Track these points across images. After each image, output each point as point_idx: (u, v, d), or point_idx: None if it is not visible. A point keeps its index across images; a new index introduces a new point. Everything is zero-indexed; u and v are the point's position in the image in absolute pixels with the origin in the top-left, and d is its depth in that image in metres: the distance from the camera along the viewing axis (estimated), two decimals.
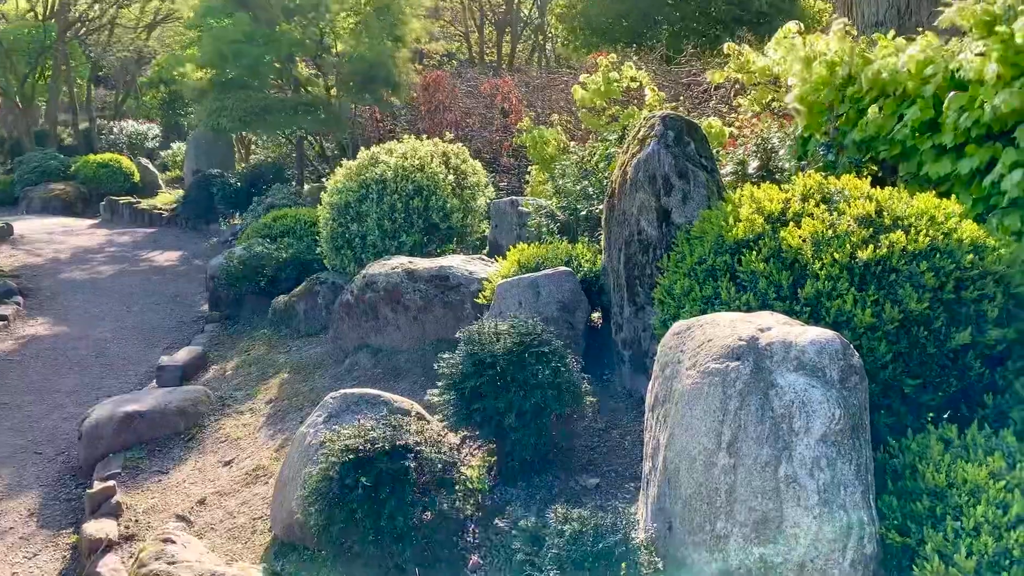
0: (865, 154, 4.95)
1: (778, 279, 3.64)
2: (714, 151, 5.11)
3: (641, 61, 9.66)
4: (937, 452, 2.98)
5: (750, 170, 5.36)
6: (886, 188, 4.00)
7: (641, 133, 4.80)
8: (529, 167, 9.43)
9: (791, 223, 3.84)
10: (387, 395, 4.26)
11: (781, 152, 5.36)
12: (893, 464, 3.08)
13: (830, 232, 3.70)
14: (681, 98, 8.73)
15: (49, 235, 13.71)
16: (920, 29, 5.05)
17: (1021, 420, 3.16)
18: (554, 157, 8.55)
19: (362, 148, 8.09)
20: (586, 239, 6.07)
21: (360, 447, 3.41)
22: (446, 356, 4.13)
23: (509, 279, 5.10)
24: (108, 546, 4.36)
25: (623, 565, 2.95)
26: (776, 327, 3.07)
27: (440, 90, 11.95)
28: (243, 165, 16.90)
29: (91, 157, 18.07)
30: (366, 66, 12.14)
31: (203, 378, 6.91)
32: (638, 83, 8.08)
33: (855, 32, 5.26)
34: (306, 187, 13.80)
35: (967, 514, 2.68)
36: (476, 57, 23.37)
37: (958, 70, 4.26)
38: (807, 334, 2.95)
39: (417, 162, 7.49)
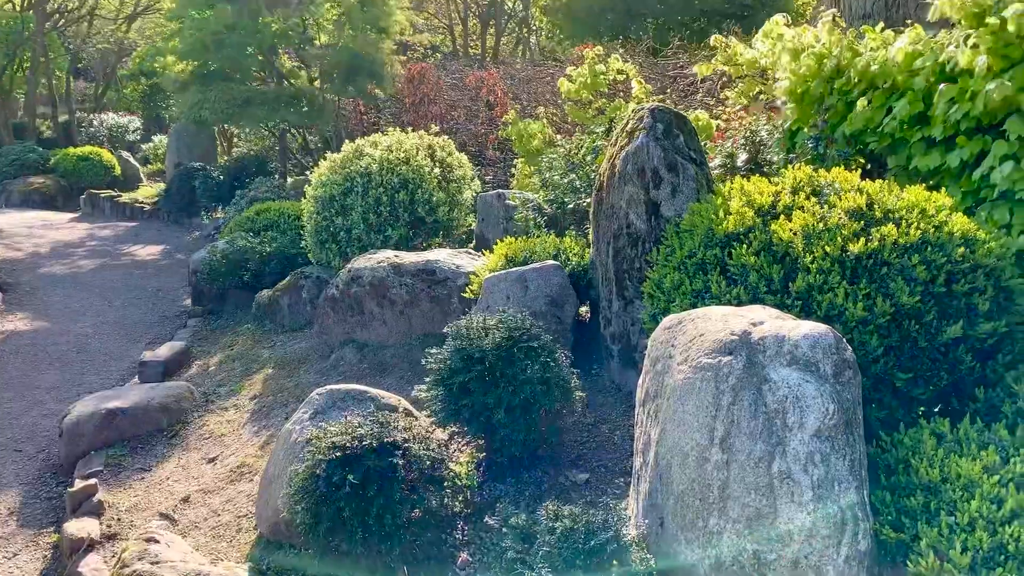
0: (854, 147, 4.93)
1: (769, 273, 3.61)
2: (702, 144, 5.07)
3: (627, 54, 9.61)
4: (930, 447, 2.96)
5: (739, 163, 5.34)
6: (876, 181, 3.98)
7: (630, 126, 4.76)
8: (515, 160, 9.38)
9: (781, 216, 3.82)
10: (374, 391, 4.20)
11: (770, 145, 5.34)
12: (886, 459, 3.06)
13: (821, 225, 3.67)
14: (668, 91, 8.70)
15: (28, 229, 13.53)
16: (908, 21, 5.04)
17: (1013, 414, 3.15)
18: (540, 150, 8.50)
19: (347, 141, 8.00)
20: (573, 233, 6.03)
21: (347, 444, 3.35)
22: (434, 351, 4.08)
23: (497, 273, 5.06)
24: (90, 546, 4.28)
25: (615, 562, 2.92)
26: (769, 321, 3.04)
27: (425, 82, 11.86)
28: (226, 158, 16.72)
29: (71, 150, 17.84)
30: (350, 58, 12.02)
31: (186, 374, 6.82)
32: (624, 76, 8.05)
33: (843, 24, 5.23)
34: (289, 180, 13.67)
35: (961, 509, 2.66)
36: (460, 50, 23.25)
37: (948, 62, 4.24)
38: (800, 328, 2.92)
39: (403, 155, 7.42)
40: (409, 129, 8.13)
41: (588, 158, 6.11)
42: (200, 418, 5.78)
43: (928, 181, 4.44)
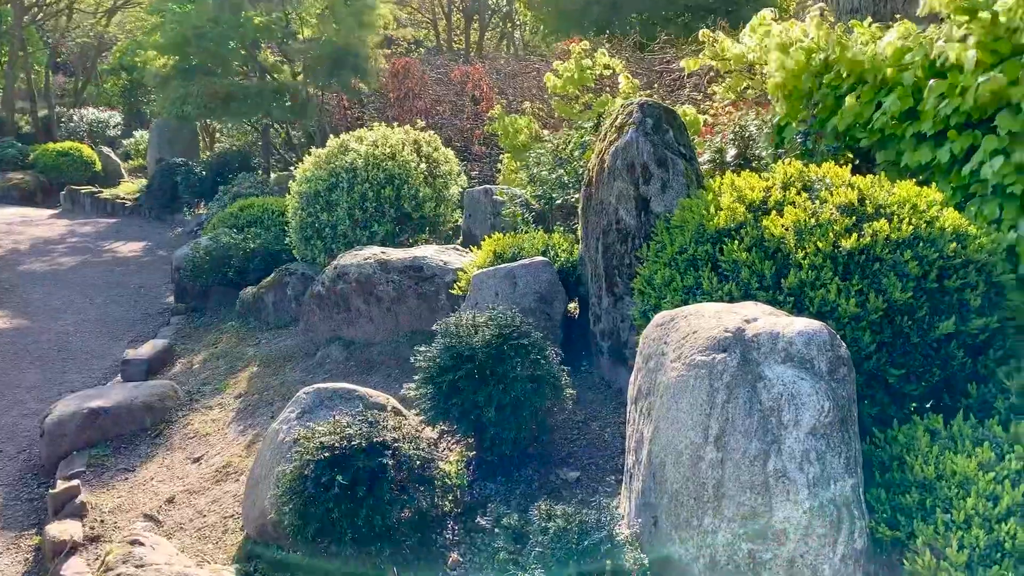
0: (843, 142, 4.92)
1: (761, 269, 3.58)
2: (690, 139, 5.04)
3: (613, 49, 9.58)
4: (924, 443, 2.95)
5: (728, 158, 5.31)
6: (868, 176, 3.96)
7: (619, 121, 4.72)
8: (501, 155, 9.33)
9: (773, 212, 3.79)
10: (362, 389, 4.15)
11: (758, 140, 5.32)
12: (880, 455, 3.04)
13: (812, 221, 3.65)
14: (655, 86, 8.67)
15: (7, 226, 13.34)
16: (898, 16, 5.03)
17: (1006, 410, 3.14)
18: (526, 145, 8.45)
19: (331, 136, 7.93)
20: (561, 228, 5.99)
21: (336, 444, 3.30)
22: (422, 349, 4.03)
23: (485, 270, 5.01)
24: (73, 548, 4.21)
25: (609, 562, 2.88)
26: (762, 318, 3.01)
27: (409, 77, 11.78)
28: (208, 154, 16.58)
29: (50, 145, 17.63)
30: (333, 52, 11.93)
31: (170, 372, 6.73)
32: (611, 71, 8.01)
33: (832, 19, 5.21)
34: (272, 176, 13.57)
35: (957, 507, 2.64)
36: (444, 45, 23.15)
37: (939, 57, 4.23)
38: (794, 325, 2.90)
39: (388, 150, 7.35)
40: (395, 124, 8.06)
41: (576, 153, 6.07)
42: (184, 417, 5.71)
43: (917, 176, 4.43)
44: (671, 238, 4.08)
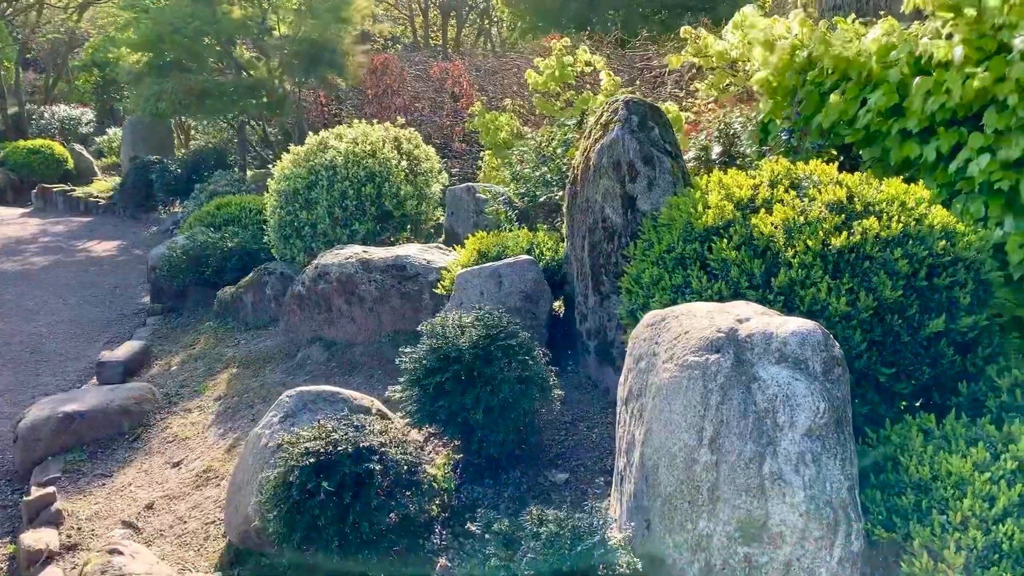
0: (828, 139, 4.90)
1: (750, 267, 3.55)
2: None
3: (594, 46, 9.54)
4: (918, 444, 2.93)
5: (713, 156, 5.28)
6: (855, 173, 3.94)
7: (604, 118, 4.68)
8: (481, 152, 9.27)
9: (761, 210, 3.76)
10: (346, 392, 4.07)
11: (743, 137, 5.29)
12: (874, 456, 3.02)
13: (801, 219, 3.62)
14: (637, 82, 8.64)
15: None
16: (882, 13, 5.02)
17: (997, 408, 3.13)
18: (507, 142, 8.39)
19: (310, 133, 7.82)
20: (544, 226, 5.94)
21: (322, 450, 3.23)
22: (408, 350, 3.97)
23: (469, 269, 4.95)
24: (49, 557, 4.10)
25: (602, 568, 2.84)
26: (755, 318, 2.98)
27: (388, 74, 11.67)
28: (183, 151, 16.36)
29: (21, 143, 17.31)
30: (311, 47, 11.79)
31: (147, 374, 6.61)
32: (592, 68, 7.97)
33: (816, 15, 5.20)
34: (249, 173, 13.40)
35: (953, 508, 2.62)
36: (421, 41, 23.01)
37: (924, 54, 4.21)
38: (788, 325, 2.86)
39: (368, 147, 7.27)
40: (375, 121, 7.97)
41: (559, 151, 6.02)
42: (163, 420, 5.60)
43: (902, 174, 4.42)
44: (658, 236, 4.04)
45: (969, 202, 4.13)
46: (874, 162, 4.68)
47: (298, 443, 3.32)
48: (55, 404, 5.56)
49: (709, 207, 3.86)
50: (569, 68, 7.77)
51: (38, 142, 17.31)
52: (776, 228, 3.61)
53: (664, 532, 2.90)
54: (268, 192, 7.58)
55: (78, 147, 18.16)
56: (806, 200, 3.75)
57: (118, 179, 15.76)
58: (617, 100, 4.64)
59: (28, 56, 22.99)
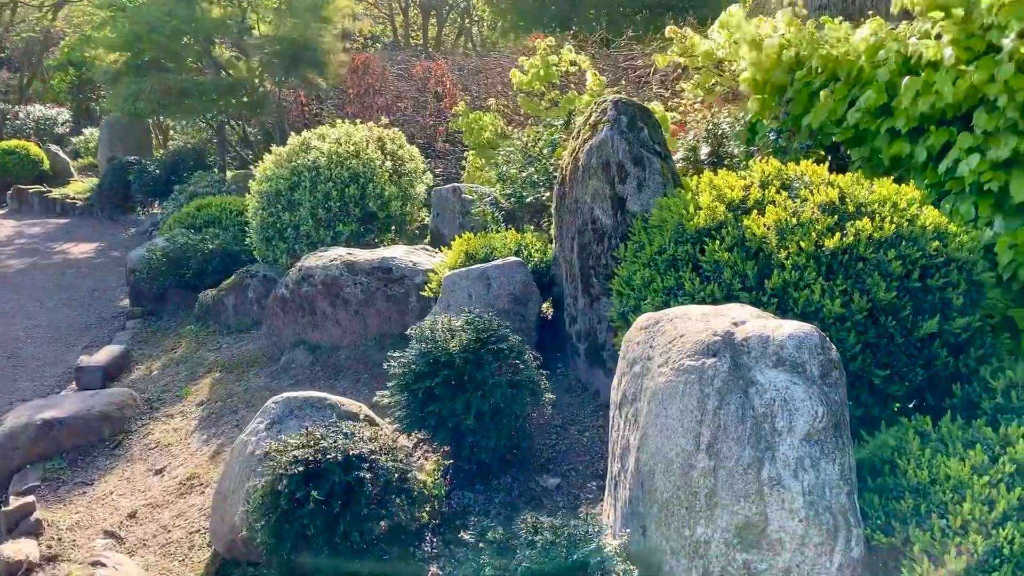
0: (817, 139, 4.89)
1: (743, 269, 3.52)
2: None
3: (579, 45, 9.50)
4: (916, 447, 2.91)
5: (701, 156, 5.26)
6: (847, 174, 3.93)
7: (592, 118, 4.63)
8: (465, 152, 9.20)
9: (753, 211, 3.73)
10: (333, 398, 4.00)
11: (731, 138, 5.27)
12: (871, 460, 2.99)
13: (794, 220, 3.60)
14: (623, 82, 8.61)
15: None
16: (871, 12, 5.02)
17: (992, 410, 3.11)
18: (491, 142, 8.34)
19: (292, 134, 7.73)
20: (531, 227, 5.89)
21: (310, 458, 3.16)
22: (396, 354, 3.91)
23: (457, 271, 4.89)
24: (28, 569, 4.00)
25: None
26: (751, 320, 2.94)
27: (370, 73, 11.58)
28: (162, 151, 16.17)
29: None
30: (291, 45, 11.67)
31: (127, 379, 6.49)
32: (577, 67, 7.93)
33: (805, 13, 5.18)
34: (229, 174, 13.26)
35: (953, 512, 2.60)
36: (401, 40, 22.89)
37: (914, 54, 4.20)
38: (784, 328, 2.83)
39: (352, 148, 7.19)
40: (358, 121, 7.89)
41: (546, 151, 5.97)
42: (144, 427, 5.50)
43: (892, 174, 4.41)
44: (649, 238, 4.01)
45: (958, 202, 4.13)
46: (863, 162, 4.67)
47: (286, 451, 3.25)
48: (33, 411, 5.45)
49: (701, 208, 3.83)
50: (554, 68, 7.73)
51: (13, 143, 17.02)
52: (769, 229, 3.58)
53: (661, 539, 2.86)
54: (250, 193, 7.48)
55: (54, 148, 17.88)
56: (798, 201, 3.73)
57: (95, 180, 15.53)
58: (606, 100, 4.61)
59: (2, 55, 22.66)
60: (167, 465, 4.92)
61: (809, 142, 4.90)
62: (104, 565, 3.52)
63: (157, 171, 13.38)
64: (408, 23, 24.04)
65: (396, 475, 3.31)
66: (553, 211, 4.97)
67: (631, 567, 2.89)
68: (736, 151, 5.27)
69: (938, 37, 4.19)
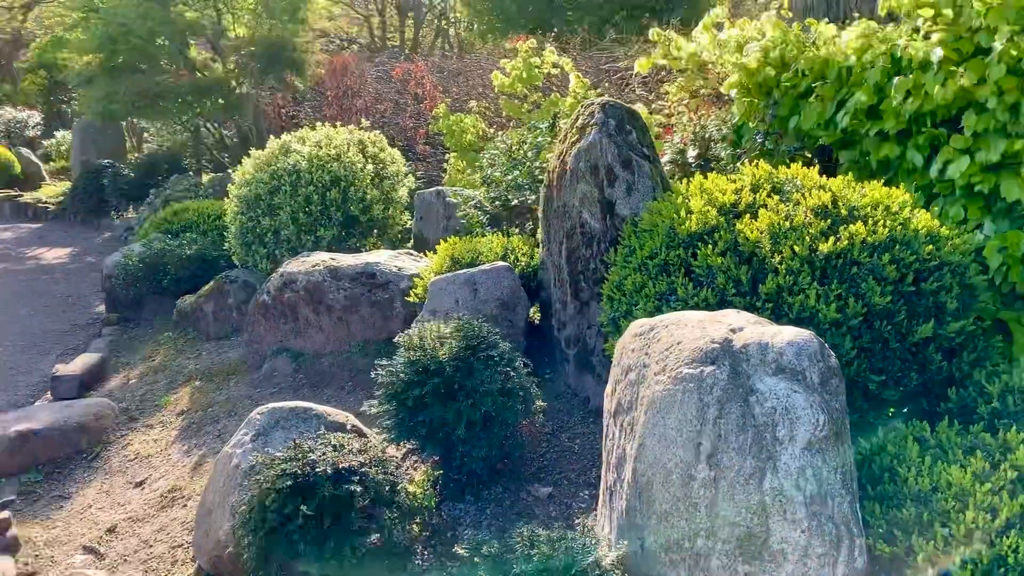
0: (804, 142, 4.87)
1: (737, 274, 3.48)
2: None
3: (561, 47, 9.46)
4: (915, 453, 2.88)
5: (689, 159, 5.22)
6: (838, 177, 3.90)
7: (580, 121, 4.58)
8: (446, 155, 9.12)
9: (745, 215, 3.70)
10: (320, 408, 3.91)
11: (719, 141, 5.24)
12: (870, 467, 2.96)
13: (787, 224, 3.57)
14: (606, 84, 8.57)
15: None
16: (857, 15, 5.01)
17: (989, 415, 3.09)
18: (473, 145, 8.27)
19: (271, 137, 7.61)
20: (517, 231, 5.83)
21: (299, 472, 3.08)
22: (384, 363, 3.83)
23: (443, 276, 4.82)
24: None
25: None
26: (748, 327, 2.90)
27: (348, 75, 11.45)
28: (136, 155, 15.95)
29: None
30: (268, 47, 11.53)
31: (105, 388, 6.36)
32: (560, 69, 7.88)
33: (790, 16, 5.16)
34: (205, 177, 13.09)
35: (955, 520, 2.57)
36: (378, 42, 22.73)
37: (904, 57, 4.18)
38: (783, 334, 2.79)
39: (333, 151, 7.09)
40: (338, 124, 7.78)
41: (530, 154, 5.91)
42: (123, 437, 5.38)
43: (880, 177, 4.39)
44: (640, 242, 3.96)
45: (948, 205, 4.11)
46: (851, 164, 4.65)
47: (273, 464, 3.16)
48: (7, 422, 5.31)
49: (692, 212, 3.79)
50: (536, 70, 7.67)
51: None
52: (762, 234, 3.55)
53: (659, 550, 2.81)
54: (229, 197, 7.36)
55: (25, 151, 17.58)
56: (790, 205, 3.70)
57: (68, 184, 15.29)
58: (593, 103, 4.56)
59: None
60: (147, 477, 4.81)
61: (797, 144, 4.88)
62: None
63: (132, 175, 13.20)
64: (385, 24, 23.89)
65: (387, 488, 3.23)
66: (540, 215, 4.91)
67: None
68: (723, 154, 5.24)
69: (927, 38, 4.18)
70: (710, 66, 6.13)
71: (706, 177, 4.14)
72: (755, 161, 4.28)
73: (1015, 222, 3.92)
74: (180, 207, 9.14)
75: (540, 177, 5.62)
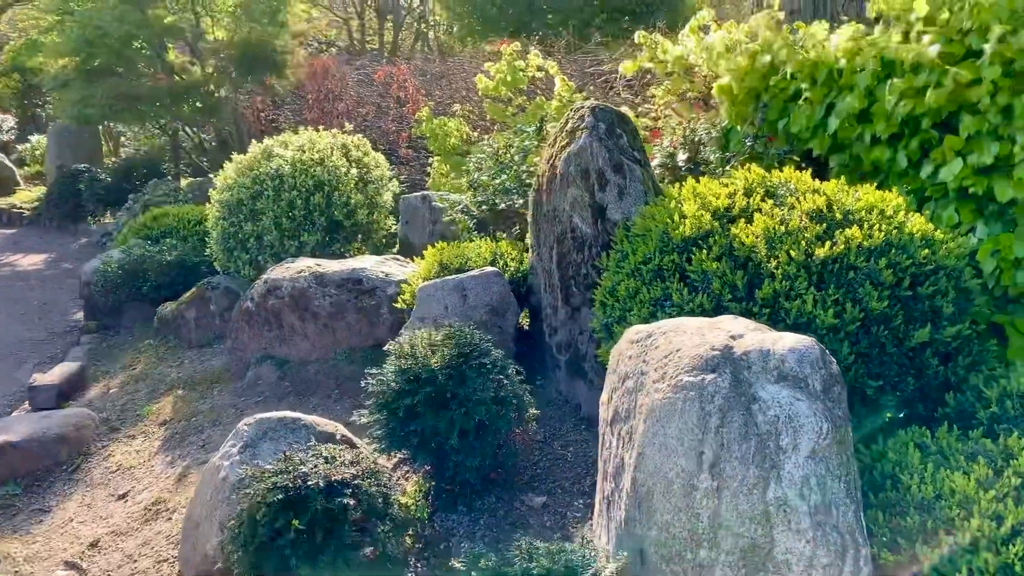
0: (794, 145, 4.85)
1: (732, 279, 3.45)
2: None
3: (545, 51, 9.42)
4: (916, 460, 2.84)
5: (679, 162, 5.19)
6: (831, 181, 3.88)
7: (570, 125, 4.53)
8: (430, 159, 9.05)
9: (740, 220, 3.66)
10: (308, 418, 3.83)
11: (708, 144, 5.21)
12: (871, 474, 2.93)
13: (782, 228, 3.53)
14: (591, 87, 8.54)
15: None
16: (845, 17, 5.00)
17: (989, 420, 3.07)
18: (457, 148, 8.21)
19: (253, 141, 7.51)
20: (504, 235, 5.77)
21: (290, 485, 3.00)
22: (374, 371, 3.76)
23: (432, 282, 4.75)
24: None
25: None
26: (748, 334, 2.86)
27: (329, 78, 11.35)
28: (113, 159, 15.73)
29: None
30: (247, 49, 11.40)
31: (84, 398, 6.23)
32: (544, 73, 7.84)
33: (781, 17, 5.15)
34: (184, 182, 12.92)
35: (960, 528, 2.54)
36: (357, 44, 22.60)
37: (896, 59, 4.17)
38: (784, 341, 2.75)
39: (316, 155, 7.00)
40: (320, 128, 7.69)
41: (517, 158, 5.86)
42: (104, 448, 5.26)
43: (871, 180, 4.38)
44: (633, 247, 3.91)
45: (940, 208, 4.11)
46: (840, 168, 4.64)
47: (264, 478, 3.08)
48: None
49: (686, 216, 3.75)
50: (520, 73, 7.63)
51: None
52: (757, 238, 3.51)
53: (661, 561, 2.76)
54: (210, 202, 7.25)
55: None
56: (785, 209, 3.67)
57: (43, 189, 15.04)
58: (583, 107, 4.51)
59: None
60: (130, 489, 4.70)
61: (786, 148, 4.86)
62: None
63: (109, 180, 13.00)
64: (364, 27, 23.76)
65: (380, 500, 3.16)
66: (529, 220, 4.86)
67: None
68: (712, 158, 5.21)
69: (917, 40, 4.17)
70: (697, 69, 6.11)
71: (698, 181, 4.11)
72: (745, 165, 4.25)
73: (1007, 225, 3.91)
74: (160, 212, 9.00)
75: (528, 181, 5.57)
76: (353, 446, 3.72)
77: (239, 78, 12.09)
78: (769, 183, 3.93)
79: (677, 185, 4.14)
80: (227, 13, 12.08)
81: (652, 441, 2.81)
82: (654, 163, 5.35)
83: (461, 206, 5.97)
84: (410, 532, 3.52)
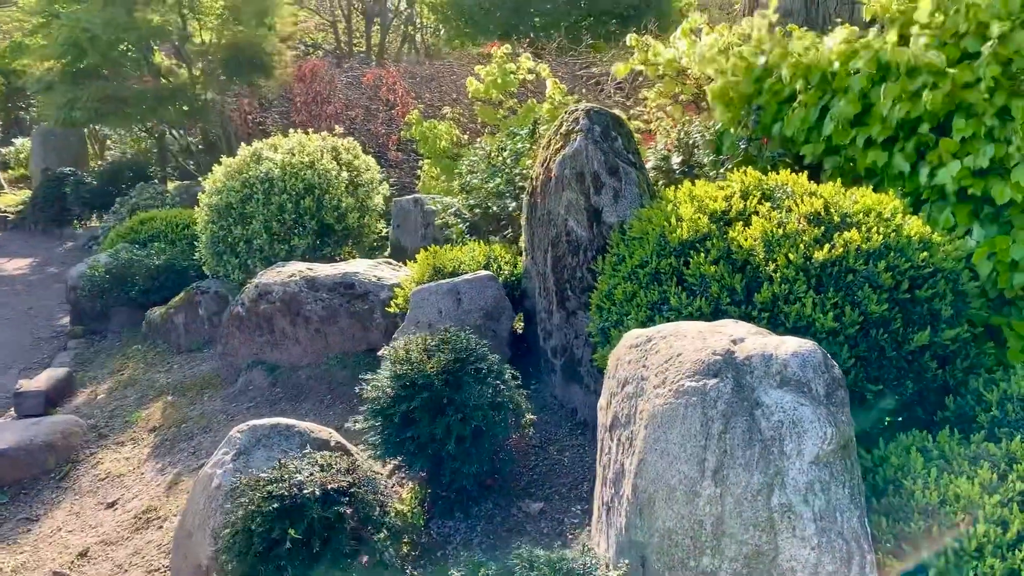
0: (788, 148, 4.84)
1: (731, 283, 3.42)
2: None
3: (535, 53, 9.40)
4: (919, 465, 2.83)
5: (673, 165, 5.17)
6: (828, 184, 3.87)
7: (564, 128, 4.51)
8: (420, 162, 9.01)
9: (738, 223, 3.64)
10: (302, 424, 3.78)
11: (702, 147, 5.19)
12: (874, 479, 2.91)
13: (780, 232, 3.51)
14: (583, 90, 8.52)
15: None
16: (840, 20, 4.99)
17: (990, 423, 3.06)
18: (447, 151, 8.17)
19: (241, 144, 7.44)
20: (497, 239, 5.74)
21: (286, 493, 2.96)
22: (369, 377, 3.72)
23: (426, 286, 4.71)
24: None
25: None
26: (750, 338, 2.83)
27: (318, 80, 11.29)
28: (99, 162, 15.59)
29: None
30: (235, 52, 11.33)
31: (71, 404, 6.14)
32: (535, 75, 7.81)
33: (775, 19, 5.14)
34: (171, 185, 12.83)
35: (966, 534, 2.52)
36: (344, 47, 22.53)
37: (892, 62, 4.16)
38: (786, 345, 2.73)
39: (306, 158, 6.94)
40: (309, 131, 7.64)
41: (509, 161, 5.83)
42: (93, 456, 5.18)
43: (866, 182, 4.37)
44: (630, 250, 3.89)
45: (935, 211, 4.10)
46: (835, 170, 4.63)
47: (258, 486, 3.03)
48: None
49: (683, 219, 3.72)
50: (511, 75, 7.60)
51: None
52: (755, 242, 3.49)
53: (663, 569, 2.73)
54: (199, 206, 7.18)
55: None
56: (783, 212, 3.65)
57: (28, 192, 14.89)
58: (578, 109, 4.48)
59: None
60: (120, 497, 4.63)
61: (781, 150, 4.84)
62: None
63: (94, 183, 12.88)
64: (351, 30, 23.68)
65: (376, 508, 3.12)
66: (523, 223, 4.82)
67: None
68: (705, 160, 5.19)
69: (915, 40, 4.16)
70: (689, 72, 6.10)
71: (693, 184, 4.09)
72: (741, 168, 4.24)
73: (1003, 227, 3.91)
74: (147, 216, 8.92)
75: (521, 184, 5.54)
76: (348, 453, 3.67)
77: (226, 81, 12.01)
78: (766, 186, 3.91)
79: (673, 188, 4.12)
80: (214, 15, 11.99)
81: (653, 447, 2.78)
82: (648, 166, 5.32)
83: (453, 209, 5.93)
84: (406, 539, 3.48)
